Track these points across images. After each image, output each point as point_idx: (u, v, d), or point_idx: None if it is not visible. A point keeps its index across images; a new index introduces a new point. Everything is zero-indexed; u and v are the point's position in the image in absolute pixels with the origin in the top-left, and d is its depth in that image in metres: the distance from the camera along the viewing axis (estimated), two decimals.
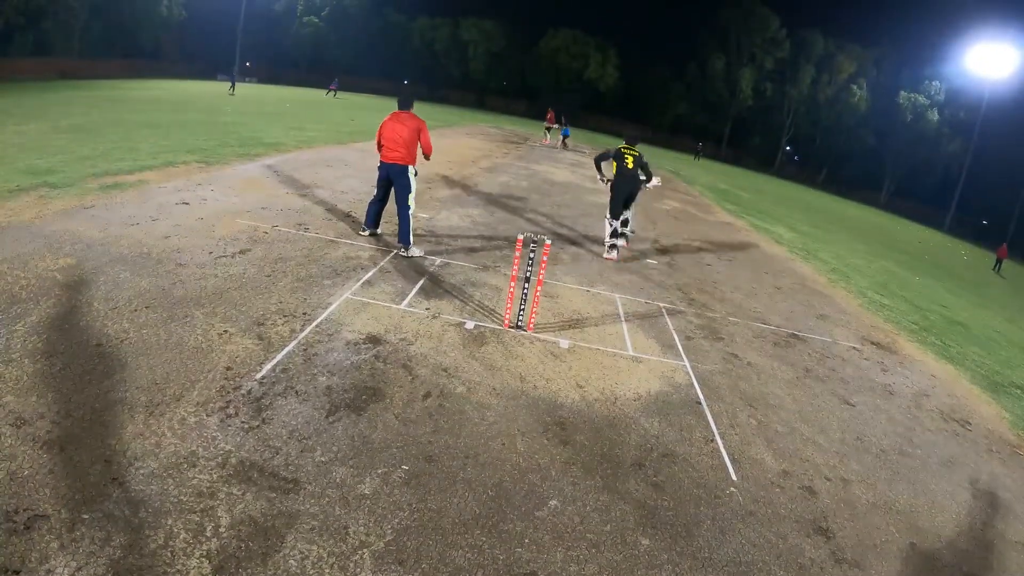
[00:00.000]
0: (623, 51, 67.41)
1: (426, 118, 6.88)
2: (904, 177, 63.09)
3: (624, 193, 8.30)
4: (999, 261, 28.17)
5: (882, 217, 46.67)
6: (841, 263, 12.96)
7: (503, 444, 3.48)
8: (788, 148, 70.06)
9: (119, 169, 8.30)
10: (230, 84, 33.66)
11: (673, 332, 5.93)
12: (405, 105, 6.61)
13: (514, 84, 68.91)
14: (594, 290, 6.77)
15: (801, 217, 23.06)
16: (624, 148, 8.43)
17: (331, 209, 8.14)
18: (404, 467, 3.10)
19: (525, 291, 5.13)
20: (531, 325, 5.19)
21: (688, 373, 5.02)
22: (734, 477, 3.64)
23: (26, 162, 8.01)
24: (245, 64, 45.20)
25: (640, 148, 8.54)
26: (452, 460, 3.24)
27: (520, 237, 5.07)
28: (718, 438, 4.05)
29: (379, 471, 3.04)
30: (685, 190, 21.21)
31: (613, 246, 8.47)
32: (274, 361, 3.91)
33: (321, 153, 13.19)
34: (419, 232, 7.64)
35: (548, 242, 5.05)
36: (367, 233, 7.12)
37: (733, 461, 3.80)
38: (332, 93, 41.70)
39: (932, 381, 6.32)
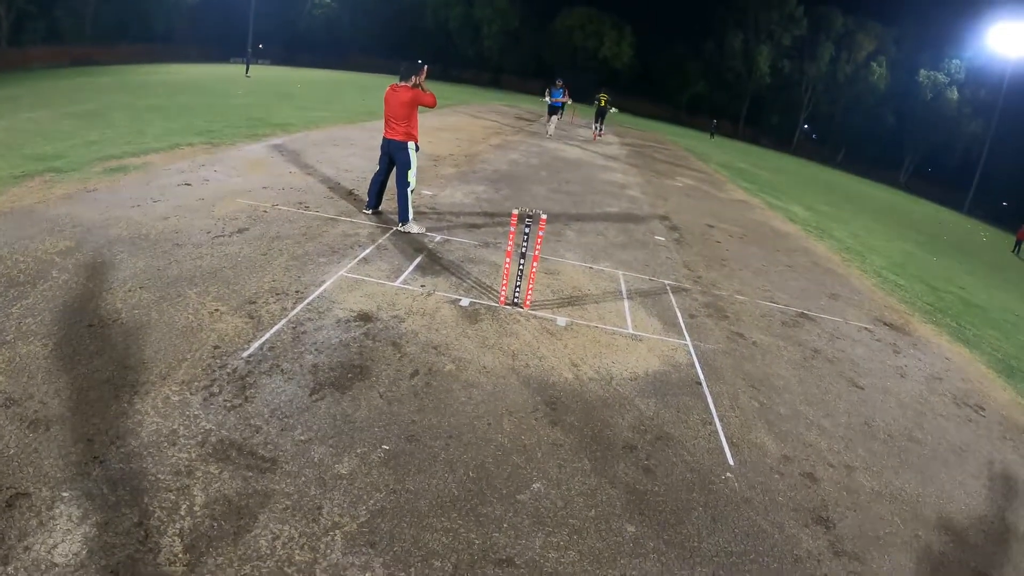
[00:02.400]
0: (639, 29, 66.05)
1: (439, 97, 6.77)
2: (924, 157, 61.44)
3: (598, 115, 21.78)
4: (1019, 243, 27.35)
5: (901, 197, 45.56)
6: (857, 242, 12.66)
7: (489, 424, 3.41)
8: (806, 127, 68.48)
9: (124, 152, 8.28)
10: (245, 66, 33.58)
11: (676, 310, 5.81)
12: (403, 76, 6.49)
13: (529, 63, 67.95)
14: (597, 267, 6.65)
15: (818, 196, 22.57)
16: (601, 95, 21.35)
17: (334, 187, 8.07)
18: (384, 447, 3.05)
19: (521, 267, 5.03)
20: (528, 302, 5.09)
21: (690, 352, 4.90)
22: (731, 462, 3.52)
23: (34, 148, 8.01)
24: (258, 46, 44.99)
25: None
26: (434, 440, 3.18)
27: (515, 212, 4.95)
28: (717, 420, 3.94)
29: (358, 451, 2.98)
30: (699, 167, 20.83)
31: (595, 133, 22.13)
32: (262, 339, 3.86)
33: (329, 133, 13.09)
34: (421, 209, 7.56)
35: (544, 216, 4.92)
36: (370, 212, 7.07)
37: (731, 445, 3.69)
38: None
39: (946, 364, 6.13)
